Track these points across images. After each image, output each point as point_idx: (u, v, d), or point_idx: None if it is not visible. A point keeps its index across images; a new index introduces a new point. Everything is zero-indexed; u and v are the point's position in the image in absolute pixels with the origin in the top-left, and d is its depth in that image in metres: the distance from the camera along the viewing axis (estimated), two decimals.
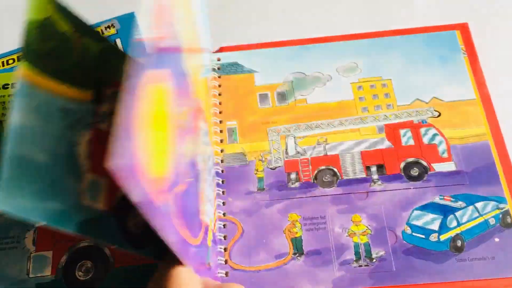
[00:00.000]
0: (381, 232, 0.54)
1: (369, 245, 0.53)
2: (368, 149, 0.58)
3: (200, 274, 0.44)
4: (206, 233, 0.49)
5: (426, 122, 0.59)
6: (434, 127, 0.59)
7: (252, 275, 0.53)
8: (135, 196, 0.28)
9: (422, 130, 0.59)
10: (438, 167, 0.57)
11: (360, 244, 0.53)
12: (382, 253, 0.53)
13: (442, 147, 0.58)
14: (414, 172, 0.57)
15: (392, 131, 0.59)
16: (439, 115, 0.60)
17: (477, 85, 0.61)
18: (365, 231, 0.54)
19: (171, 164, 0.36)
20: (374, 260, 0.52)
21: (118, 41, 0.69)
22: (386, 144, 0.59)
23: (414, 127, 0.59)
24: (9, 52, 0.71)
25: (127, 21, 0.71)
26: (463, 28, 0.65)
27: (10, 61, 0.69)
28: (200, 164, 0.48)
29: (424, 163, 0.57)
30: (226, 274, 0.53)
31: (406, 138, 0.59)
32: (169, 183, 0.35)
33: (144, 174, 0.29)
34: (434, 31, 0.66)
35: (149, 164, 0.30)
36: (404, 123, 0.60)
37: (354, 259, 0.52)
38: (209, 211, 0.51)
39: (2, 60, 0.70)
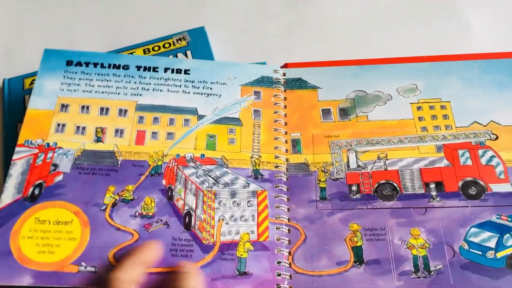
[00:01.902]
0: (439, 247, 0.55)
1: (428, 258, 0.55)
2: (427, 167, 0.60)
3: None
4: (227, 249, 0.55)
5: (484, 144, 0.61)
6: (492, 149, 0.61)
7: (315, 279, 0.55)
8: None
9: (480, 151, 0.61)
10: (496, 187, 0.58)
11: (419, 257, 0.55)
12: (440, 266, 0.54)
13: (499, 169, 0.59)
14: (472, 191, 0.58)
15: (450, 151, 0.61)
16: (497, 138, 0.61)
17: None
18: (423, 245, 0.55)
19: None
20: (432, 273, 0.54)
21: (189, 53, 0.72)
22: (445, 163, 0.61)
23: (472, 148, 0.61)
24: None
25: (197, 35, 0.74)
26: None
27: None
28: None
29: (482, 183, 0.59)
30: (290, 276, 0.55)
31: (464, 158, 0.61)
32: None
33: None
34: (492, 58, 0.68)
35: None
36: (462, 144, 0.62)
37: (413, 270, 0.54)
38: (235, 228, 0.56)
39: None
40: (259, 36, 0.76)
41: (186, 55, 0.73)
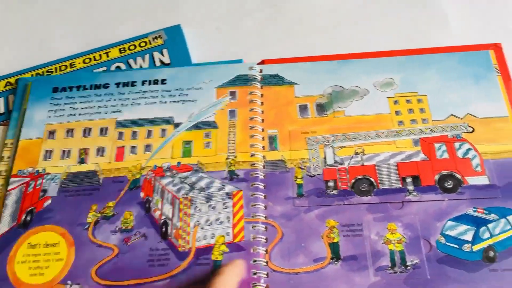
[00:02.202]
0: (416, 241, 0.55)
1: (404, 253, 0.54)
2: (404, 161, 0.60)
3: None
4: (202, 254, 0.55)
5: (460, 137, 0.61)
6: (468, 142, 0.60)
7: (292, 277, 0.54)
8: None
9: (457, 144, 0.60)
10: (472, 180, 0.58)
11: (396, 252, 0.55)
12: (416, 261, 0.54)
13: (475, 161, 0.59)
14: (448, 184, 0.58)
15: (427, 144, 0.61)
16: (473, 130, 0.61)
17: (510, 102, 0.63)
18: (400, 239, 0.55)
19: None
20: (409, 268, 0.54)
21: (165, 51, 0.72)
22: (422, 156, 0.60)
23: (449, 142, 0.61)
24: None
25: (174, 33, 0.74)
26: (497, 48, 0.67)
27: (87, 60, 0.72)
28: None
29: (458, 176, 0.58)
30: (267, 275, 0.55)
31: (441, 151, 0.60)
32: None
33: None
34: (468, 50, 0.67)
35: None
36: (439, 137, 0.61)
37: (390, 265, 0.54)
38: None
39: (56, 66, 0.73)
40: (236, 33, 0.75)
41: (162, 54, 0.72)
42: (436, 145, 0.61)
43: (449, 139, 0.61)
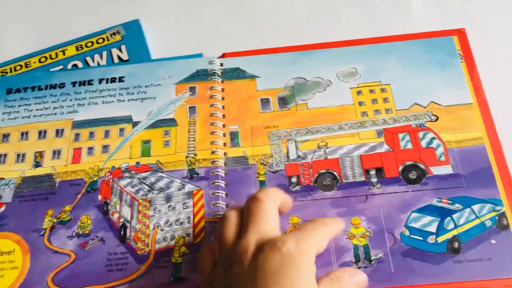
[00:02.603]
0: (380, 235, 0.54)
1: (368, 247, 0.53)
2: (367, 153, 0.59)
3: None
4: (162, 256, 0.54)
5: (424, 126, 0.60)
6: (432, 131, 0.59)
7: None
8: None
9: (420, 134, 0.59)
10: (436, 170, 0.57)
11: (359, 246, 0.53)
12: (381, 255, 0.53)
13: (439, 151, 0.58)
14: (412, 175, 0.57)
15: (390, 135, 0.60)
16: (437, 119, 0.60)
17: (474, 89, 0.61)
18: (364, 234, 0.54)
19: None
20: (373, 262, 0.52)
21: (123, 47, 0.69)
22: (385, 148, 0.59)
23: (412, 131, 0.60)
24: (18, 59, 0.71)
25: (132, 28, 0.71)
26: (460, 34, 0.66)
27: (42, 59, 0.70)
28: None
29: (422, 167, 0.57)
30: None
31: (405, 142, 0.59)
32: None
33: None
34: (432, 37, 0.66)
35: None
36: (402, 127, 0.60)
37: (354, 261, 0.53)
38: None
39: (10, 67, 0.70)
40: (197, 26, 0.73)
41: (120, 50, 0.70)
42: (400, 135, 0.59)
43: (413, 129, 0.60)
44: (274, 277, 0.41)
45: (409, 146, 0.59)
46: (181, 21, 0.73)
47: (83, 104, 0.65)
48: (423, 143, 0.59)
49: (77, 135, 0.63)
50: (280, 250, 0.43)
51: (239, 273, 0.43)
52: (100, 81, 0.66)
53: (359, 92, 0.63)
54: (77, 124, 0.64)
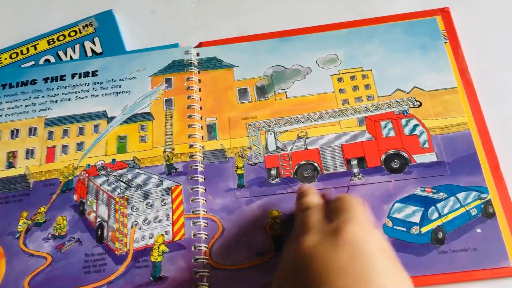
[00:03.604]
0: None
1: None
2: (348, 142, 0.57)
3: None
4: (141, 256, 0.52)
5: (407, 112, 0.57)
6: (415, 117, 0.57)
7: (234, 273, 0.51)
8: None
9: (403, 121, 0.57)
10: (419, 158, 0.55)
11: None
12: None
13: (423, 138, 0.56)
14: (395, 164, 0.55)
15: (372, 123, 0.57)
16: (420, 105, 0.58)
17: (460, 71, 0.59)
18: None
19: None
20: None
21: (97, 40, 0.67)
22: (367, 136, 0.57)
23: (395, 118, 0.57)
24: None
25: (105, 19, 0.68)
26: (444, 13, 0.63)
27: (14, 55, 0.67)
28: None
29: (405, 155, 0.55)
30: (209, 273, 0.52)
31: (387, 129, 0.57)
32: None
33: None
34: (414, 18, 0.63)
35: None
36: (384, 114, 0.58)
37: None
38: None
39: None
40: (173, 15, 0.70)
41: (93, 43, 0.67)
42: (382, 123, 0.57)
43: (396, 116, 0.57)
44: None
45: (392, 134, 0.57)
46: (156, 10, 0.70)
47: (56, 101, 0.63)
48: (406, 131, 0.57)
49: (50, 133, 0.61)
50: None
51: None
52: (73, 76, 0.64)
53: (339, 79, 0.60)
54: (50, 122, 0.61)
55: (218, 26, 0.67)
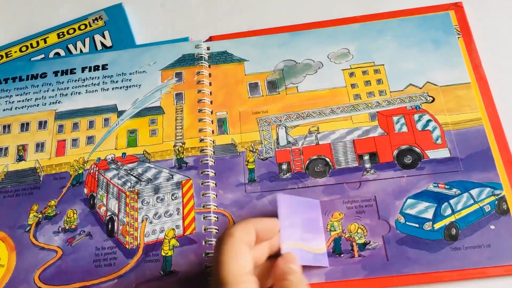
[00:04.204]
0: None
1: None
2: (360, 138, 0.56)
3: None
4: (152, 250, 0.51)
5: (419, 108, 0.56)
6: (428, 113, 0.56)
7: None
8: None
9: (416, 116, 0.56)
10: (432, 154, 0.54)
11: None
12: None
13: (436, 134, 0.55)
14: (408, 159, 0.54)
15: (385, 118, 0.56)
16: (433, 100, 0.57)
17: (473, 66, 0.58)
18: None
19: None
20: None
21: (107, 33, 0.66)
22: (379, 131, 0.56)
23: (408, 114, 0.56)
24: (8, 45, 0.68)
25: (115, 13, 0.68)
26: (457, 8, 0.62)
27: (23, 48, 0.67)
28: None
29: (418, 150, 0.54)
30: None
31: (400, 125, 0.56)
32: None
33: None
34: (427, 13, 0.62)
35: None
36: (397, 109, 0.57)
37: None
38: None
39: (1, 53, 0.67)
40: (183, 9, 0.69)
41: (103, 36, 0.67)
42: (395, 118, 0.56)
43: (408, 111, 0.57)
44: None
45: (404, 129, 0.56)
46: (166, 3, 0.70)
47: (66, 94, 0.62)
48: (419, 126, 0.56)
49: (60, 126, 0.60)
50: None
51: None
52: (83, 69, 0.63)
53: (351, 74, 0.59)
54: (60, 115, 0.61)
55: (228, 20, 0.67)
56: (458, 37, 0.60)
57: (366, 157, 0.55)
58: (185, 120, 0.59)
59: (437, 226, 0.50)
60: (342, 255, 0.50)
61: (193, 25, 0.67)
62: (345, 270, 0.49)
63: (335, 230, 0.51)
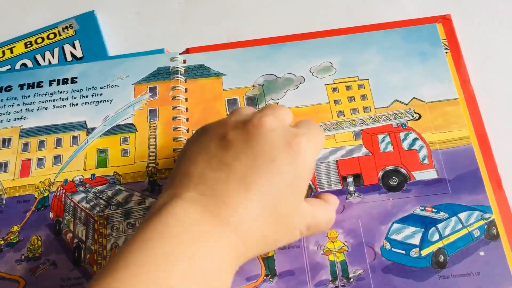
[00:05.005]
0: (359, 249, 0.48)
1: (346, 263, 0.47)
2: (344, 158, 0.52)
3: None
4: None
5: (405, 125, 0.53)
6: (414, 131, 0.53)
7: None
8: None
9: (402, 134, 0.53)
10: (419, 175, 0.51)
11: (337, 263, 0.47)
12: (360, 271, 0.47)
13: (422, 153, 0.52)
14: (393, 181, 0.51)
15: (369, 136, 0.53)
16: (420, 117, 0.53)
17: (461, 83, 0.55)
18: (341, 248, 0.48)
19: None
20: (352, 280, 0.47)
21: (77, 43, 0.61)
22: (364, 151, 0.52)
23: (393, 132, 0.53)
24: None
25: (87, 21, 0.63)
26: (445, 21, 0.59)
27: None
28: None
29: (404, 171, 0.51)
30: None
31: (385, 144, 0.53)
32: None
33: None
34: (413, 25, 0.59)
35: None
36: (382, 127, 0.53)
37: (330, 279, 0.47)
38: None
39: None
40: (159, 18, 0.64)
41: (74, 46, 0.62)
42: (379, 137, 0.53)
43: (394, 129, 0.53)
44: None
45: (390, 148, 0.52)
46: (141, 12, 0.65)
47: (32, 110, 0.57)
48: (405, 145, 0.52)
49: (25, 144, 0.55)
50: None
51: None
52: (51, 82, 0.59)
53: (334, 89, 0.56)
54: (26, 133, 0.56)
55: (207, 30, 0.62)
56: (446, 52, 0.56)
57: (350, 179, 0.51)
58: (159, 139, 0.54)
59: (424, 252, 0.47)
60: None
61: (169, 35, 0.63)
62: None
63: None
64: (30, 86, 0.58)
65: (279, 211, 0.38)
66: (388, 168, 0.51)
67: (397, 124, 0.53)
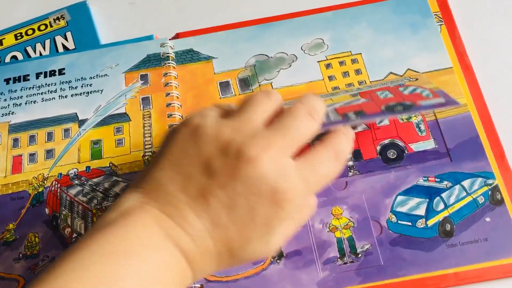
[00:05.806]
0: (365, 224, 0.46)
1: (353, 239, 0.45)
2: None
3: None
4: None
5: (403, 85, 0.50)
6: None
7: (230, 285, 0.44)
8: None
9: (401, 88, 0.50)
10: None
11: (343, 239, 0.45)
12: (367, 246, 0.45)
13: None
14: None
15: (368, 94, 0.50)
16: (417, 79, 0.50)
17: (457, 54, 0.52)
18: (347, 224, 0.46)
19: None
20: (360, 255, 0.44)
21: (69, 35, 0.58)
22: (362, 101, 0.49)
23: (392, 88, 0.50)
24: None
25: (79, 11, 0.59)
26: None
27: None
28: None
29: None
30: (202, 287, 0.44)
31: (384, 95, 0.49)
32: None
33: None
34: None
35: None
36: (380, 88, 0.50)
37: (338, 256, 0.45)
38: None
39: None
40: (153, 7, 0.61)
41: (65, 38, 0.58)
42: (378, 92, 0.49)
43: (392, 87, 0.50)
44: None
45: (389, 96, 0.49)
46: (135, 2, 0.61)
47: (20, 104, 0.54)
48: (406, 93, 0.49)
49: (15, 140, 0.52)
50: None
51: None
52: (38, 75, 0.55)
53: (328, 66, 0.53)
54: (15, 128, 0.53)
55: (202, 18, 0.59)
56: (441, 25, 0.54)
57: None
58: (153, 127, 0.51)
59: (431, 222, 0.45)
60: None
61: (164, 25, 0.59)
62: (337, 278, 0.44)
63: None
64: (16, 80, 0.55)
65: (242, 256, 0.35)
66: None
67: (395, 85, 0.50)
